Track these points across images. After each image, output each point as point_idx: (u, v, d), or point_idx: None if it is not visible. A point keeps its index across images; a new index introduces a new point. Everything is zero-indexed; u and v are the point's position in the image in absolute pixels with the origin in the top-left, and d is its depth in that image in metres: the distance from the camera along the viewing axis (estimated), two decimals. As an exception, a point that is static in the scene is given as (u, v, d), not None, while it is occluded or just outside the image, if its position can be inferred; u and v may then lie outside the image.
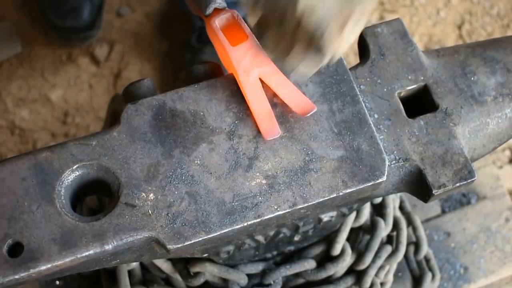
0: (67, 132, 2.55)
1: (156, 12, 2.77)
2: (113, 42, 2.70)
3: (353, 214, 1.59)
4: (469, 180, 1.23)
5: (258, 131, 1.22)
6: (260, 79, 1.23)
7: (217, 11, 1.25)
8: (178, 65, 2.67)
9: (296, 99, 1.23)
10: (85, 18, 2.58)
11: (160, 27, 2.74)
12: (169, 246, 1.14)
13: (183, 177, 1.18)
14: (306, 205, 1.18)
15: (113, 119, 1.73)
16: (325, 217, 1.41)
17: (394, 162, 1.24)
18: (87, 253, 1.12)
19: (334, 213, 1.41)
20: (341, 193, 1.19)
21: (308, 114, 1.23)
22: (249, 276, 1.56)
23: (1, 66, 2.64)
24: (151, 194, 1.17)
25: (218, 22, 1.25)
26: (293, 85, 1.23)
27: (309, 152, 1.21)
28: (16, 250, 1.12)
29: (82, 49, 2.68)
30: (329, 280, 1.61)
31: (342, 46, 1.14)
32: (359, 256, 1.62)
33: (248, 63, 1.22)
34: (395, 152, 1.24)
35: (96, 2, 2.61)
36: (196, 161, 1.19)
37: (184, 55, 2.63)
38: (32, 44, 2.68)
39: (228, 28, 1.25)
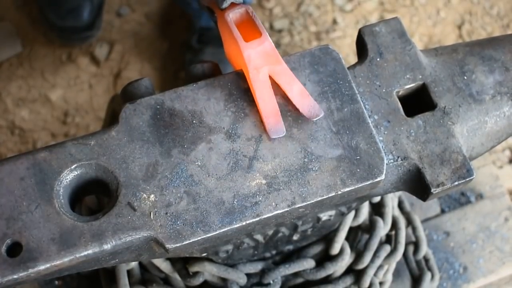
0: (67, 132, 2.55)
1: (156, 12, 2.77)
2: (113, 42, 2.70)
3: (352, 213, 1.59)
4: (467, 179, 1.23)
5: (257, 131, 1.21)
6: (270, 78, 1.22)
7: (232, 5, 1.23)
8: (178, 65, 2.67)
9: (304, 100, 1.22)
10: (85, 18, 2.58)
11: (160, 27, 2.74)
12: (168, 246, 1.14)
13: (182, 177, 1.18)
14: (304, 204, 1.18)
15: (112, 119, 1.73)
16: (324, 216, 1.41)
17: (392, 160, 1.24)
18: (86, 253, 1.12)
19: (332, 212, 1.41)
20: (339, 192, 1.19)
21: (315, 119, 1.21)
22: (248, 275, 1.56)
23: (1, 66, 2.64)
24: (150, 194, 1.17)
25: (232, 16, 1.23)
26: (302, 86, 1.22)
27: (308, 152, 1.21)
28: (15, 250, 1.12)
29: (82, 49, 2.68)
30: (328, 279, 1.61)
31: None
32: (358, 255, 1.62)
33: (259, 60, 1.21)
34: (393, 151, 1.24)
35: (96, 2, 2.61)
36: (195, 161, 1.19)
37: (184, 55, 2.63)
38: (32, 44, 2.68)
39: (241, 24, 1.24)
